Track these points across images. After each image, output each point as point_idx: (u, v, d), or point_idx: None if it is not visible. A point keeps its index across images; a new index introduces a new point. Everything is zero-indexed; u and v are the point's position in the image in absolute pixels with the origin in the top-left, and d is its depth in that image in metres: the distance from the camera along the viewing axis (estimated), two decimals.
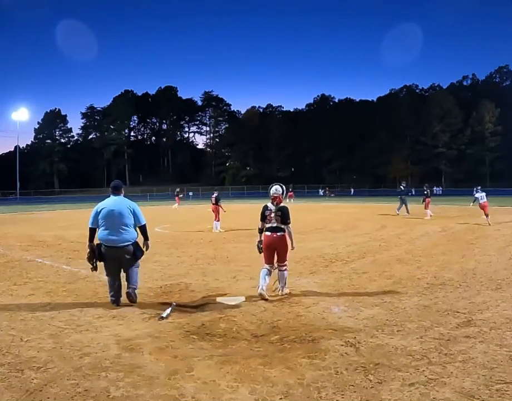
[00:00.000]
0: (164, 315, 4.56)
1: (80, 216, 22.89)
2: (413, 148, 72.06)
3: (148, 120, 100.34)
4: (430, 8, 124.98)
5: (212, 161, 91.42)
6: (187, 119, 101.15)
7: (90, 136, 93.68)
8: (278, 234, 5.43)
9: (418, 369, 3.17)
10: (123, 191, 5.39)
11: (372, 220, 16.89)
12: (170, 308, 4.75)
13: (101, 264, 5.24)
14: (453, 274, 6.65)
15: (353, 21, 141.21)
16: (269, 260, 5.53)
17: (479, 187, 14.89)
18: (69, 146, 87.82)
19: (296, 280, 6.26)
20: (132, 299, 5.11)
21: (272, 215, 5.46)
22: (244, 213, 23.17)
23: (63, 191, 68.48)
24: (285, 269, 5.53)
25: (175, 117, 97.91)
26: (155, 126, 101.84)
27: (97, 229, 5.15)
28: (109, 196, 5.32)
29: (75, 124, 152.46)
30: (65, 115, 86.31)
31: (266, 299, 5.21)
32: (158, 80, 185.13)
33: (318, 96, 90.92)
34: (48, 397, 2.81)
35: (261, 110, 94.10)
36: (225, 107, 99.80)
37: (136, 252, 5.17)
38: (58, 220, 20.76)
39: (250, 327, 4.27)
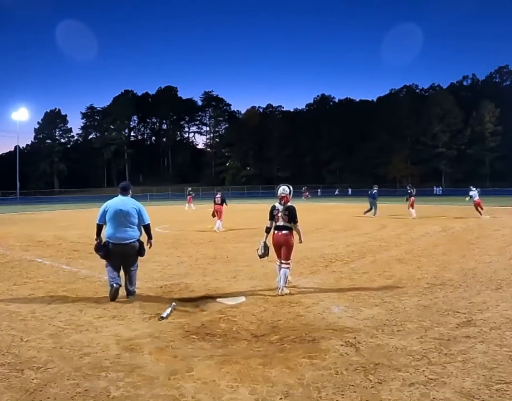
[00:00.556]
0: (164, 315, 4.57)
1: (80, 216, 22.93)
2: (413, 148, 72.02)
3: (148, 120, 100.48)
4: (430, 8, 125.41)
5: (212, 161, 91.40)
6: (187, 119, 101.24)
7: (90, 136, 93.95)
8: (284, 232, 5.66)
9: (418, 369, 3.17)
10: (131, 192, 5.63)
11: (372, 220, 16.89)
12: (170, 308, 4.76)
13: (102, 261, 5.36)
14: (453, 274, 6.65)
15: (352, 21, 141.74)
16: (279, 257, 5.75)
17: (471, 186, 18.17)
18: (69, 146, 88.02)
19: (297, 280, 6.27)
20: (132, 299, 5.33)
21: (280, 214, 5.67)
22: (244, 213, 23.19)
23: (63, 191, 68.43)
24: (287, 267, 5.63)
25: (175, 117, 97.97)
26: (155, 126, 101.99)
27: (104, 225, 5.38)
28: (116, 196, 5.54)
29: (75, 124, 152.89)
30: (65, 115, 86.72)
31: (287, 293, 5.48)
32: (158, 80, 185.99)
33: (318, 96, 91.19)
34: (48, 397, 2.82)
35: (261, 110, 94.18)
36: (225, 107, 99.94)
37: (141, 249, 5.43)
38: (58, 220, 20.74)
39: (250, 327, 4.27)
